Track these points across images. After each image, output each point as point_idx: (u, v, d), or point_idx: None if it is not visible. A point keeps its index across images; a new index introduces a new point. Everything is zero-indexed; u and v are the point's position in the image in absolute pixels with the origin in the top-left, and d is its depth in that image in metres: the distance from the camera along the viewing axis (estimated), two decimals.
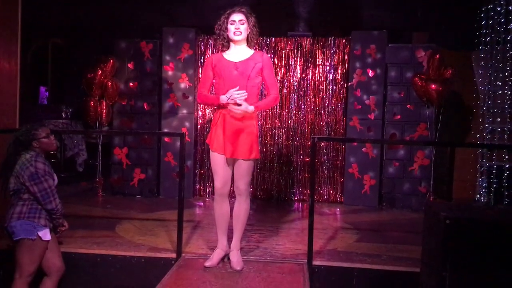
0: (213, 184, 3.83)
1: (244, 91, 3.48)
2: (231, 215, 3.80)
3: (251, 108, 3.51)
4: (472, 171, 6.57)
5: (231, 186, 3.80)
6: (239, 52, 3.65)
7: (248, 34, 3.65)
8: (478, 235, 2.50)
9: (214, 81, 3.72)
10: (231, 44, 3.67)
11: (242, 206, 3.72)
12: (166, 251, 4.02)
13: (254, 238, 4.61)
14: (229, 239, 3.83)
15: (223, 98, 3.51)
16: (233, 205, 3.79)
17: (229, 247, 3.80)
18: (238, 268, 3.63)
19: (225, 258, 3.81)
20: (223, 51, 3.75)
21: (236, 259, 3.70)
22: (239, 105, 3.47)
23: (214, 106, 3.64)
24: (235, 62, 3.60)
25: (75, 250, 3.97)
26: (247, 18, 3.63)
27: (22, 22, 5.34)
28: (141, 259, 3.92)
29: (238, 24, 3.59)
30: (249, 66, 3.59)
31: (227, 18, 3.63)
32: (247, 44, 3.69)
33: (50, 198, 3.32)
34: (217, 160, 3.65)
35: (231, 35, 3.62)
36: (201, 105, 6.64)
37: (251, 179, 3.81)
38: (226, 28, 3.62)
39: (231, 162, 3.66)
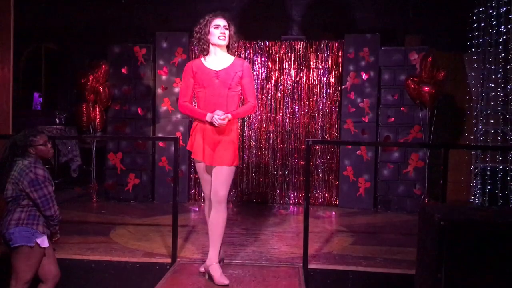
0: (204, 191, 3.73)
1: (227, 115, 3.42)
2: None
3: (229, 116, 3.44)
4: (466, 172, 6.61)
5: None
6: (219, 59, 3.60)
7: (229, 41, 3.60)
8: (473, 236, 2.49)
9: (194, 87, 3.63)
10: (211, 49, 3.60)
11: (221, 214, 3.50)
12: (161, 256, 4.00)
13: (249, 242, 4.60)
14: (223, 244, 3.80)
15: (209, 116, 3.44)
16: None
17: (214, 273, 3.45)
18: (226, 282, 3.38)
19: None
20: (201, 55, 3.65)
21: (219, 273, 3.42)
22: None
23: (198, 120, 3.58)
24: (216, 71, 3.55)
25: (70, 256, 3.96)
26: (229, 24, 3.59)
27: (14, 27, 5.32)
28: (136, 265, 3.91)
29: (223, 29, 3.54)
30: (230, 75, 3.55)
31: (210, 22, 3.57)
32: (228, 51, 3.63)
33: (49, 205, 3.30)
34: (199, 167, 3.63)
35: (214, 39, 3.55)
36: None
37: (230, 186, 3.62)
38: (208, 32, 3.55)
39: (211, 168, 3.57)
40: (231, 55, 3.65)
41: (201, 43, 3.60)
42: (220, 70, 3.55)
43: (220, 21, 3.56)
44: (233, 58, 3.64)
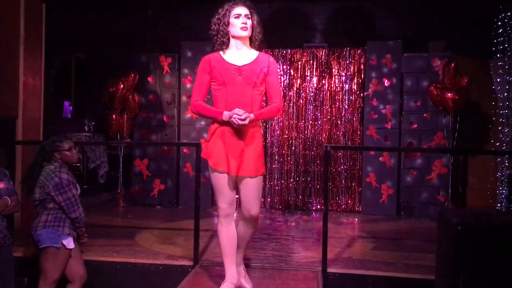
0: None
1: (249, 115, 3.00)
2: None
3: (252, 116, 3.02)
4: (492, 180, 6.50)
5: (236, 208, 3.35)
6: (241, 53, 3.14)
7: (252, 32, 3.14)
8: (491, 241, 2.48)
9: (211, 85, 3.18)
10: (232, 42, 3.14)
11: (251, 231, 3.29)
12: (183, 259, 4.10)
13: (270, 246, 4.66)
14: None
15: (226, 115, 3.03)
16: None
17: (238, 275, 3.32)
18: (249, 286, 3.38)
19: None
20: (220, 49, 3.17)
21: (243, 275, 3.41)
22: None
23: (213, 120, 3.17)
24: (238, 66, 3.09)
25: (96, 258, 4.10)
26: (251, 13, 3.13)
27: (46, 38, 5.56)
28: (159, 267, 4.02)
29: (244, 18, 3.08)
30: (254, 71, 3.09)
31: (229, 11, 3.11)
32: (250, 44, 3.18)
33: (74, 207, 3.45)
34: (220, 178, 3.11)
35: (236, 31, 3.08)
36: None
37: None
38: (228, 23, 3.10)
39: (235, 179, 3.14)
40: (255, 49, 3.18)
41: (220, 36, 3.13)
42: (243, 66, 3.10)
43: (241, 10, 3.09)
44: (257, 53, 3.17)
